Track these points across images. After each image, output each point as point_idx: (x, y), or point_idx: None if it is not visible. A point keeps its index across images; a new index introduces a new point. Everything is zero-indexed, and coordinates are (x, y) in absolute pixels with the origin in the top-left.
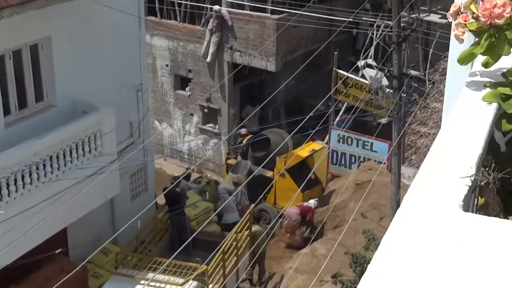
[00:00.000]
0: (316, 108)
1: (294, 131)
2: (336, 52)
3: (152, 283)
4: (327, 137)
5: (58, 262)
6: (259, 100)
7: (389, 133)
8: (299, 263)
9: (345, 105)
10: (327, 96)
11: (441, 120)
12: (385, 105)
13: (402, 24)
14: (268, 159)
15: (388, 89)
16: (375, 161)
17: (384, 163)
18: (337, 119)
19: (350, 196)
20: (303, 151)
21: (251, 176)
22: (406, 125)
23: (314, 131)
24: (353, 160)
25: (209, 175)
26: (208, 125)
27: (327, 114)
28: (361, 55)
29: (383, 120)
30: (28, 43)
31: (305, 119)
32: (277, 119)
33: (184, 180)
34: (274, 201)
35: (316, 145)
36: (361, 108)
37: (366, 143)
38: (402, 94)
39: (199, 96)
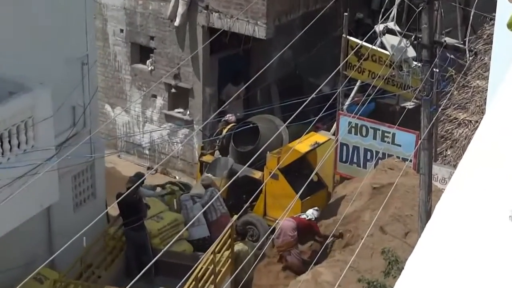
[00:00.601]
0: (319, 88)
1: (291, 118)
2: (346, 13)
3: None
4: (335, 126)
5: None
6: (244, 77)
7: (417, 120)
8: None
9: (358, 83)
10: (335, 71)
11: (485, 104)
12: (411, 84)
13: None
14: (256, 155)
15: (415, 63)
16: (398, 158)
17: (410, 161)
18: (348, 102)
19: (365, 204)
20: (303, 145)
21: (233, 179)
22: (440, 110)
23: (317, 118)
24: (368, 157)
25: (177, 179)
26: (176, 110)
27: (334, 96)
28: (380, 17)
29: (409, 104)
30: None
31: (306, 102)
32: (268, 102)
33: (142, 187)
34: (263, 211)
35: (320, 136)
36: (380, 88)
37: (386, 134)
38: (434, 69)
39: (164, 72)
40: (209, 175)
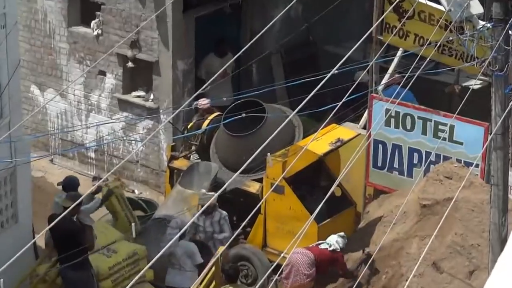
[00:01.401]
0: (343, 60)
1: (303, 103)
2: None
3: None
4: (365, 115)
5: None
6: (233, 45)
7: (486, 107)
8: None
9: (399, 53)
10: (365, 36)
11: None
12: (476, 54)
13: None
14: (251, 158)
15: (482, 22)
16: (458, 161)
17: (477, 165)
18: (384, 81)
19: (410, 229)
20: (320, 144)
21: (218, 193)
22: None
23: (339, 104)
24: (415, 160)
25: (136, 194)
26: (134, 93)
27: (364, 71)
28: None
29: (474, 83)
30: None
31: (324, 80)
32: (269, 81)
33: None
34: (263, 240)
35: (345, 131)
36: (431, 59)
37: (441, 126)
38: (511, 32)
39: (117, 38)
40: (206, 191)
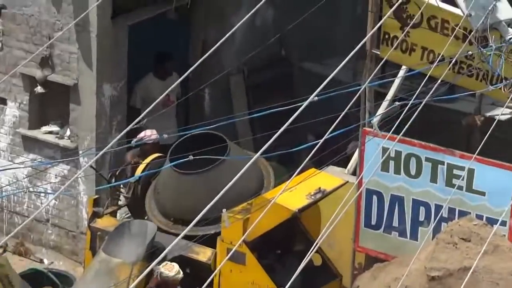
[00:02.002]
0: (325, 83)
1: (271, 140)
2: None
3: None
4: (355, 156)
5: None
6: (180, 62)
7: None
8: None
9: (401, 73)
10: (355, 50)
11: None
12: (504, 74)
13: None
14: (202, 214)
15: None
16: (479, 217)
17: (504, 224)
18: (381, 111)
19: None
20: (294, 195)
21: (155, 263)
22: None
23: (320, 141)
24: (421, 217)
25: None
26: (45, 127)
27: (353, 99)
28: None
29: (500, 114)
30: None
31: (300, 110)
32: (227, 111)
33: None
34: None
35: (327, 177)
36: (443, 81)
37: (456, 170)
38: None
39: (22, 54)
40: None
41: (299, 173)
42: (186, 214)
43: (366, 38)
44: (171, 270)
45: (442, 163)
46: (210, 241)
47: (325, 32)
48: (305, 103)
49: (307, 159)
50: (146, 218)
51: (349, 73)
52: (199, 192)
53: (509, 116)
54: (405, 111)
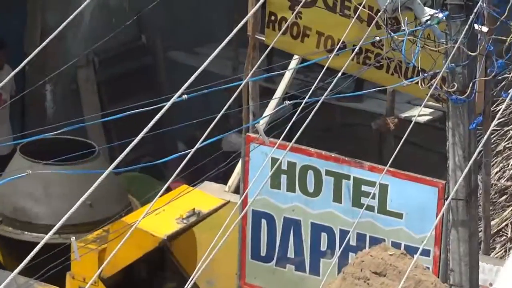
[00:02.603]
0: (194, 77)
1: (128, 149)
2: None
3: None
4: (237, 169)
5: None
6: (15, 51)
7: (438, 153)
8: None
9: (292, 64)
10: (232, 34)
11: None
12: (421, 65)
13: None
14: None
15: (430, 11)
16: (395, 245)
17: (427, 253)
18: (268, 112)
19: None
20: (163, 218)
21: None
22: (492, 125)
23: (192, 150)
24: (324, 245)
25: None
26: None
27: (232, 97)
28: None
29: (418, 114)
30: None
31: (163, 110)
32: (74, 112)
33: None
34: None
35: (203, 196)
36: (345, 75)
37: (365, 186)
38: (477, 26)
39: None
40: None
41: (167, 191)
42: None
43: (245, 19)
44: None
45: (348, 177)
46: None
47: (196, 13)
48: (171, 102)
49: (176, 173)
50: None
51: (228, 64)
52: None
53: (428, 117)
54: (298, 112)
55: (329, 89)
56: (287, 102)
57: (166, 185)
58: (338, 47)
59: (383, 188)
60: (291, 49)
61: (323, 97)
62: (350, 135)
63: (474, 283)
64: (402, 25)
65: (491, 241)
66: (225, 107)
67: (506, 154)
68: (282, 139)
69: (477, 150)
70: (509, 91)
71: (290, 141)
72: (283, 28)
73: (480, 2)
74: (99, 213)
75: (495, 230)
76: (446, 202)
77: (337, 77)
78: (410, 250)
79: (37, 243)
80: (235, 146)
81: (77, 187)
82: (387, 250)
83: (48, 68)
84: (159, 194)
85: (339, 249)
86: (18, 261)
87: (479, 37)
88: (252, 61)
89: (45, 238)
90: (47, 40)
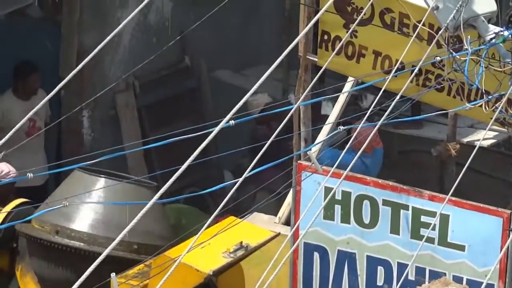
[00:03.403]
0: (245, 100)
1: (172, 179)
2: None
3: None
4: (288, 200)
5: None
6: (49, 74)
7: (503, 181)
8: None
9: (347, 87)
10: (283, 55)
11: None
12: (485, 87)
13: None
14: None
15: (496, 29)
16: (457, 280)
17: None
18: (322, 138)
19: None
20: (208, 253)
21: None
22: None
23: (239, 180)
24: (380, 279)
25: None
26: None
27: (283, 122)
28: None
29: (482, 139)
30: None
31: (211, 136)
32: (115, 140)
33: None
34: None
35: (252, 228)
36: (404, 98)
37: (425, 217)
38: None
39: None
40: None
41: (213, 223)
42: None
43: (297, 39)
44: None
45: (406, 207)
46: None
47: (242, 33)
48: (218, 128)
49: (223, 203)
50: None
51: (278, 87)
52: None
53: (494, 140)
54: (353, 138)
55: (386, 114)
56: (341, 127)
57: (213, 216)
58: (396, 67)
59: (444, 219)
60: (345, 70)
61: (379, 122)
62: (408, 163)
63: None
64: (465, 44)
65: None
66: (275, 133)
67: None
68: (336, 167)
69: None
70: None
71: (345, 170)
72: (337, 48)
73: None
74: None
75: None
76: None
77: (395, 100)
78: (473, 285)
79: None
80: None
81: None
82: (448, 284)
83: (85, 93)
84: (205, 226)
85: (397, 284)
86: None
87: None
88: (304, 84)
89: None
90: (83, 63)
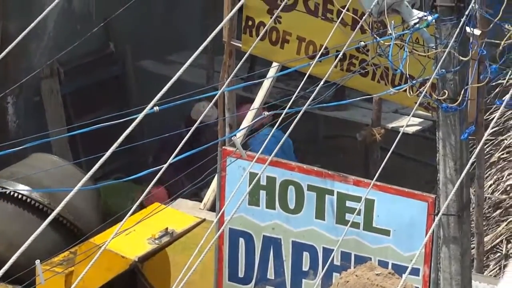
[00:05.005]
0: (168, 86)
1: (96, 165)
2: None
3: None
4: (213, 186)
5: None
6: None
7: (427, 166)
8: None
9: (271, 73)
10: (207, 42)
11: None
12: (409, 71)
13: None
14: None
15: (419, 13)
16: (383, 264)
17: (417, 272)
18: (246, 124)
19: None
20: (133, 239)
21: None
22: (486, 135)
23: (164, 166)
24: (305, 264)
25: None
26: None
27: (207, 108)
28: None
29: (406, 124)
30: None
31: (134, 124)
32: (38, 127)
33: None
34: None
35: (177, 214)
36: (328, 83)
37: (350, 202)
38: (469, 29)
39: None
40: None
41: (139, 210)
42: None
43: (221, 25)
44: None
45: (331, 192)
46: None
47: (167, 18)
48: (142, 114)
49: (146, 191)
50: None
51: (202, 73)
52: None
53: (418, 127)
54: (278, 124)
55: (311, 98)
56: (266, 113)
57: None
58: (320, 53)
59: (369, 204)
60: (270, 56)
61: (304, 107)
62: (333, 147)
63: None
64: (389, 29)
65: (484, 259)
66: (200, 119)
67: (500, 166)
68: (261, 153)
69: (470, 162)
70: (503, 98)
71: (269, 155)
72: (261, 34)
73: (472, 4)
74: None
75: (489, 246)
76: (437, 218)
77: (320, 85)
78: (398, 269)
79: None
80: (209, 118)
81: None
82: (374, 269)
83: (10, 80)
84: (129, 213)
85: (323, 269)
86: None
87: (471, 40)
88: (228, 69)
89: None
90: (7, 50)
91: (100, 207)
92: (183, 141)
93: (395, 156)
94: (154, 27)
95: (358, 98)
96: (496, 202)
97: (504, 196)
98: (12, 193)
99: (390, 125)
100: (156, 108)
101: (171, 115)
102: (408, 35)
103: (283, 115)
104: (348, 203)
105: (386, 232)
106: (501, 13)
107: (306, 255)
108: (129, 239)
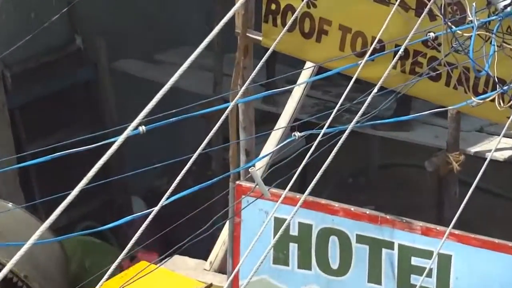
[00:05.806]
0: (160, 96)
1: (59, 212)
2: None
3: None
4: (223, 233)
5: None
6: None
7: None
8: None
9: (304, 77)
10: (213, 34)
11: None
12: (498, 74)
13: None
14: None
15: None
16: None
17: None
18: (270, 149)
19: None
20: None
21: None
22: None
23: (155, 209)
24: None
25: None
26: None
27: (215, 127)
28: None
29: (495, 148)
30: None
31: (114, 148)
32: None
33: None
34: None
35: (172, 276)
36: (384, 89)
37: (416, 258)
38: None
39: None
40: None
41: (119, 271)
42: None
43: (232, 10)
44: None
45: (390, 245)
46: None
47: (158, 3)
48: (123, 136)
49: (131, 243)
50: None
51: (207, 78)
52: None
53: (510, 152)
54: (313, 148)
55: (360, 113)
56: (297, 133)
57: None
58: (372, 48)
59: (445, 261)
60: (301, 53)
61: (351, 124)
62: (393, 181)
63: None
64: (469, 14)
65: None
66: (204, 143)
67: None
68: (290, 190)
69: None
70: None
71: (303, 192)
72: (289, 22)
73: None
74: None
75: None
76: None
77: (372, 93)
78: None
79: None
80: None
81: None
82: None
83: None
84: (104, 278)
85: None
86: None
87: None
88: (243, 72)
89: None
90: None
91: (65, 269)
92: (182, 171)
93: (480, 192)
94: (138, 14)
95: (427, 112)
96: None
97: None
98: None
99: (473, 150)
100: (142, 128)
101: (164, 135)
102: (496, 23)
103: (320, 136)
104: (414, 260)
105: None
106: None
107: None
108: None
